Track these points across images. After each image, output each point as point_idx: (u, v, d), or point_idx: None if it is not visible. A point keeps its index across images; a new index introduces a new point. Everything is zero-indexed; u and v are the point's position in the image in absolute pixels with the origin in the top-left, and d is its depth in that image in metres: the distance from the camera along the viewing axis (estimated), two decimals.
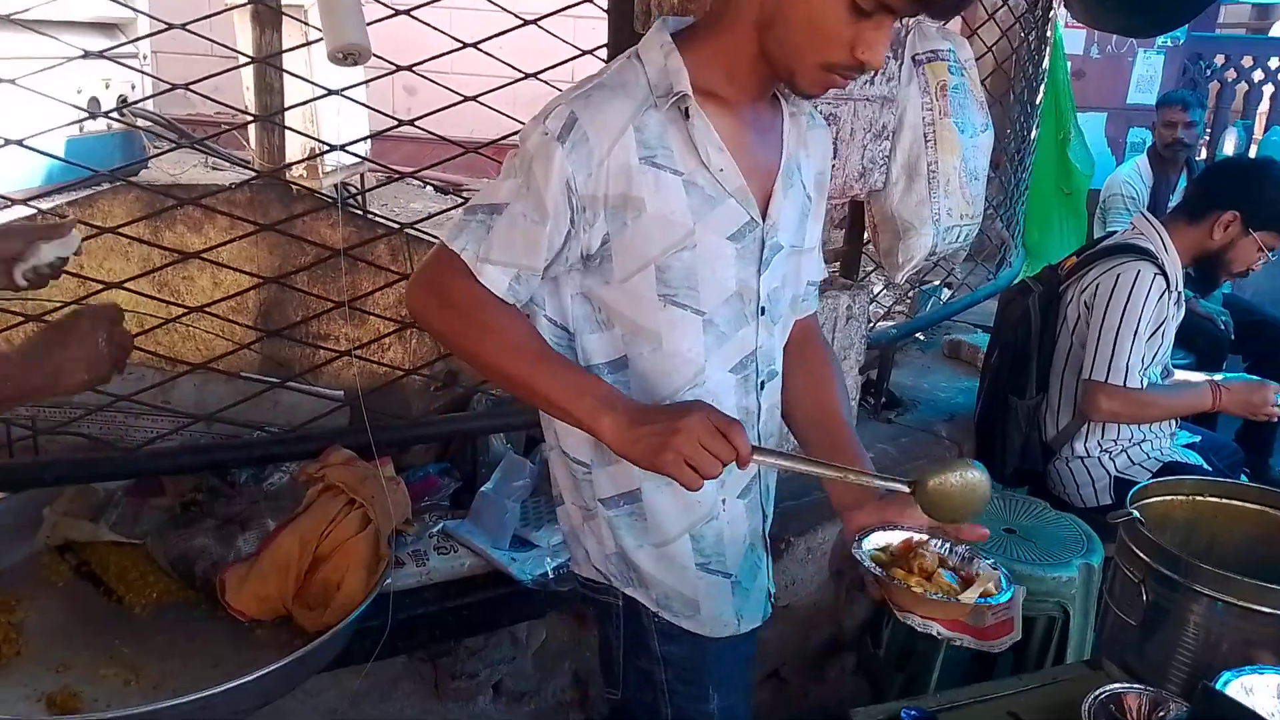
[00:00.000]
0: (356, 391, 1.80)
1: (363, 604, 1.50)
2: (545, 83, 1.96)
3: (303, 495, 1.75)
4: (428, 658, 2.01)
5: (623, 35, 1.82)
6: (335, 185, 3.20)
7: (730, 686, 1.36)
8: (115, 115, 4.58)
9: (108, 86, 5.91)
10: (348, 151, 1.72)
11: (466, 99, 1.85)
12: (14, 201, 1.83)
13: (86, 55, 1.66)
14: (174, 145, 2.16)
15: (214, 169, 6.09)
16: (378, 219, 1.96)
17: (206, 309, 1.73)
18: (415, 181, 7.43)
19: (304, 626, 1.53)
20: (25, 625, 1.56)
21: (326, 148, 2.02)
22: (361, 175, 5.46)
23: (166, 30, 1.66)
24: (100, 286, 1.68)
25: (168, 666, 1.48)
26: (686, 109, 1.13)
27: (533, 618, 2.03)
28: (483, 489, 1.98)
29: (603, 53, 1.89)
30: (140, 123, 5.79)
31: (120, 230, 1.64)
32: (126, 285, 1.68)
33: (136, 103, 6.02)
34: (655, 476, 1.15)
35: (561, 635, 2.13)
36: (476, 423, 2.00)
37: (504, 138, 1.98)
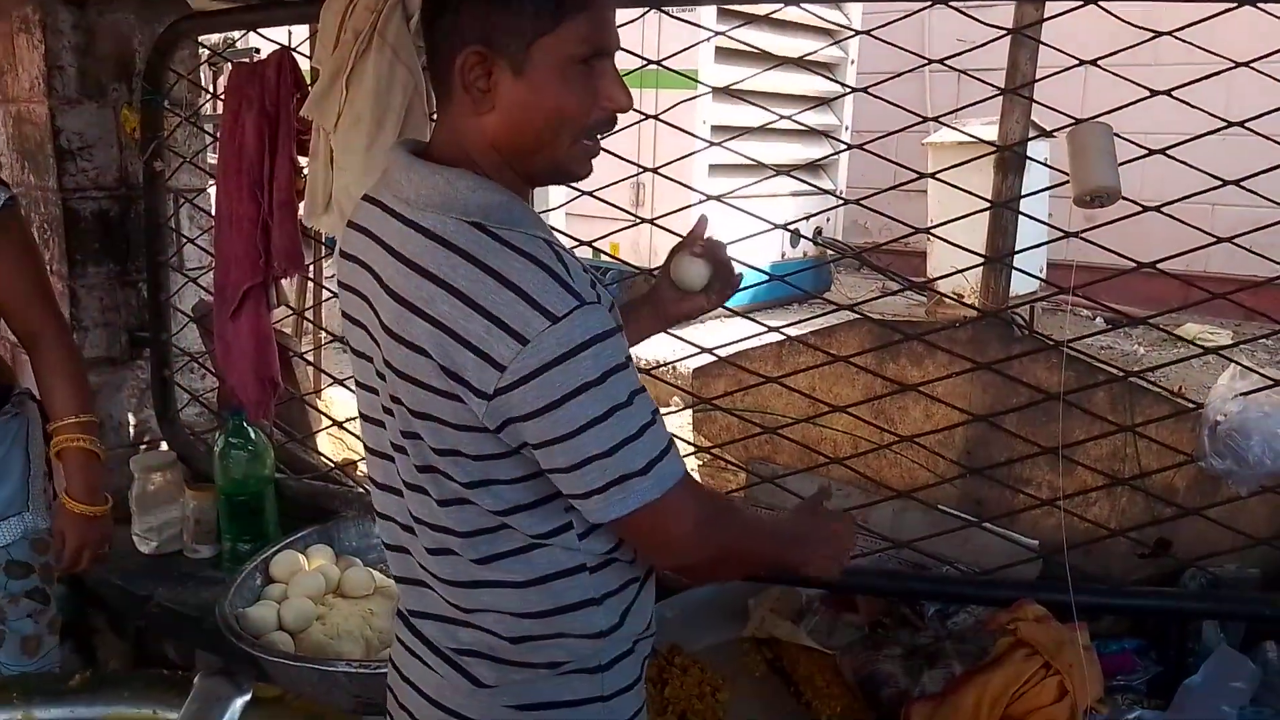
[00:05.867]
0: (1054, 544, 1.70)
1: None
2: None
3: (989, 643, 1.69)
4: None
5: None
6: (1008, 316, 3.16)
7: None
8: (814, 243, 5.21)
9: (808, 219, 6.77)
10: (1078, 294, 1.66)
11: (1220, 240, 1.67)
12: (736, 312, 2.07)
13: (835, 198, 1.85)
14: (903, 286, 2.26)
15: (886, 293, 6.53)
16: (1099, 364, 1.86)
17: (916, 439, 1.78)
18: (1084, 312, 7.08)
19: None
20: (728, 705, 1.73)
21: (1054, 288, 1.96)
22: (1031, 306, 5.38)
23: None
24: (827, 408, 1.83)
25: None
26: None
27: None
28: (1189, 682, 1.73)
29: None
30: (829, 253, 6.48)
31: (851, 359, 1.79)
32: (849, 410, 1.82)
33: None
34: None
35: None
36: (1190, 603, 1.75)
37: (1262, 282, 1.74)
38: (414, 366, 1.01)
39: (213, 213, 2.39)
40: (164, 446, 2.63)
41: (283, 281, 2.37)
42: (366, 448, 1.19)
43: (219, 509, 2.29)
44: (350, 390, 2.40)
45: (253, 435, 2.24)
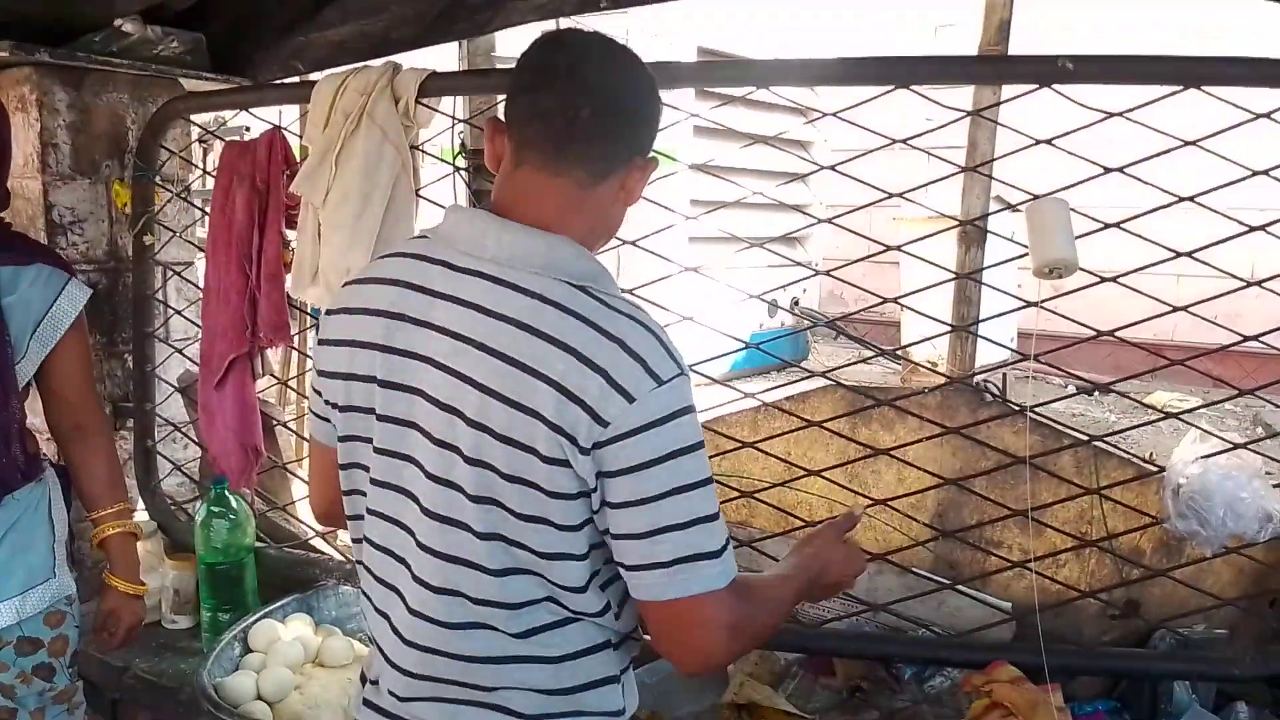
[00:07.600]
0: (1026, 606, 1.73)
1: None
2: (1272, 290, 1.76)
3: (964, 705, 1.71)
4: None
5: None
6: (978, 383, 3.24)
7: None
8: (791, 313, 5.33)
9: (784, 289, 6.91)
10: (1049, 361, 1.72)
11: (1176, 309, 1.74)
12: (717, 381, 2.14)
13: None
14: (878, 352, 2.33)
15: (863, 360, 6.64)
16: (1064, 429, 1.91)
17: (888, 502, 1.82)
18: (1056, 380, 7.19)
19: None
20: None
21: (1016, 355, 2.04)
22: (1004, 374, 5.49)
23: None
24: (803, 472, 1.88)
25: None
26: None
27: None
28: None
29: None
30: (806, 322, 6.58)
31: (825, 425, 1.83)
32: (823, 474, 1.86)
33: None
34: None
35: None
36: (1161, 664, 1.77)
37: (1218, 350, 1.81)
38: (518, 427, 1.01)
39: (200, 285, 2.44)
40: (144, 516, 2.63)
41: (268, 351, 2.40)
42: (371, 511, 1.15)
43: (199, 578, 2.29)
44: None
45: (234, 504, 2.25)
